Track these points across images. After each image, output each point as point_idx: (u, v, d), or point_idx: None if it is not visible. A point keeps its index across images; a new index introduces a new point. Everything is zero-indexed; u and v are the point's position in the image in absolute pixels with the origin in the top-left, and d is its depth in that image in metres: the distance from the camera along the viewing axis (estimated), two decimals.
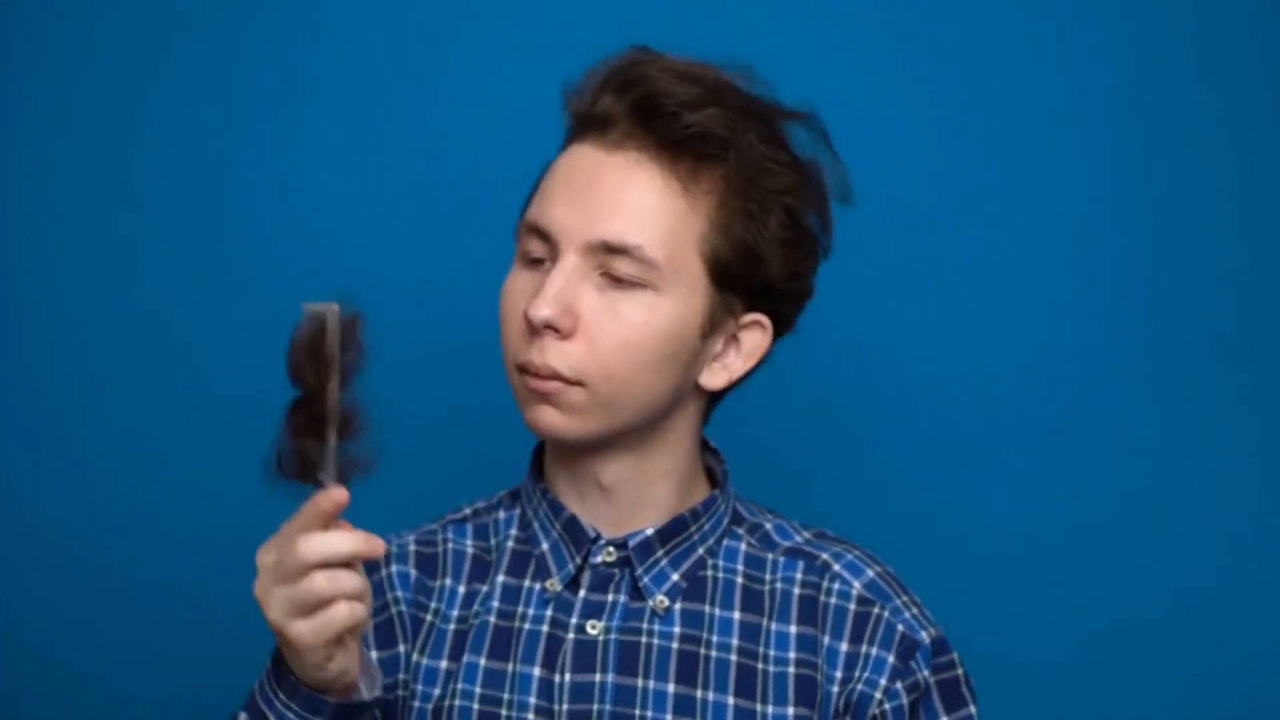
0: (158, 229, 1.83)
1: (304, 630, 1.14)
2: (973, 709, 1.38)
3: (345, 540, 1.15)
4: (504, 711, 1.33)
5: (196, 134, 1.82)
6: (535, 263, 1.33)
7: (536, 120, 1.74)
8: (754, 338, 1.37)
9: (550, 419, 1.32)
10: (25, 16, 1.83)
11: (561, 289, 1.29)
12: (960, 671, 1.37)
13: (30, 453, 1.86)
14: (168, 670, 1.85)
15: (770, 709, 1.33)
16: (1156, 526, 1.77)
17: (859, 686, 1.35)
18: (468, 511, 1.44)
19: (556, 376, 1.30)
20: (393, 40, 1.81)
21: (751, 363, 1.38)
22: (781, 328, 1.38)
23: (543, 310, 1.28)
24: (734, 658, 1.35)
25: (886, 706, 1.34)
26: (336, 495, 1.15)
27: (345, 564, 1.15)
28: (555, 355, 1.30)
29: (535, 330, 1.29)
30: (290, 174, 1.82)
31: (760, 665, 1.35)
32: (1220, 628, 1.76)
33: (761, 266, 1.33)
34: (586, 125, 1.33)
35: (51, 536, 1.86)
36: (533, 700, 1.33)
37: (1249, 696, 1.76)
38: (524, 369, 1.31)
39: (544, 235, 1.31)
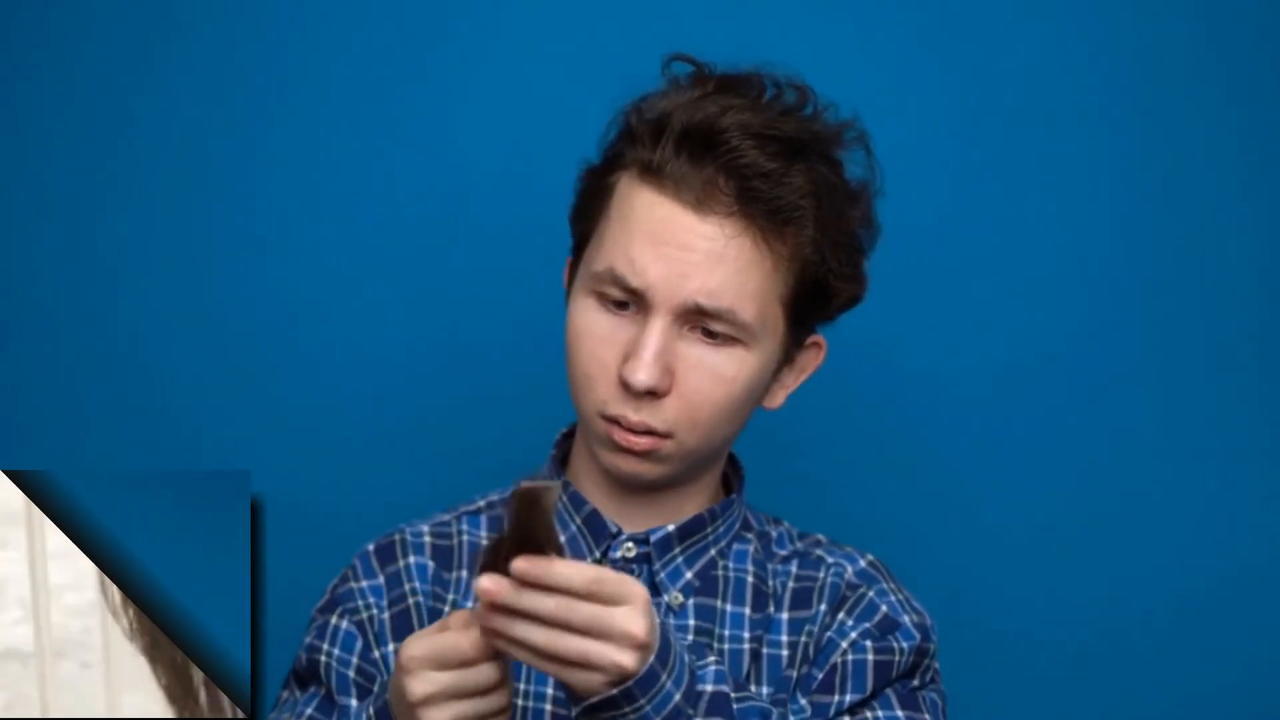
0: (141, 236, 1.78)
1: None
2: (936, 696, 1.39)
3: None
4: (521, 701, 1.34)
5: (182, 140, 1.78)
6: (616, 304, 1.33)
7: (534, 123, 1.75)
8: (809, 355, 1.41)
9: (637, 469, 1.35)
10: (17, 20, 1.80)
11: (659, 351, 1.30)
12: (932, 661, 1.39)
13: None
14: None
15: (763, 689, 1.36)
16: (1161, 529, 1.78)
17: (828, 634, 1.37)
18: (481, 504, 1.45)
19: (650, 432, 1.32)
20: (387, 44, 1.80)
21: (805, 377, 1.42)
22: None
23: (643, 377, 1.29)
24: (746, 647, 1.37)
25: (850, 658, 1.35)
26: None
27: None
28: (650, 413, 1.32)
29: (634, 392, 1.31)
30: (281, 180, 1.78)
31: (766, 650, 1.37)
32: (1223, 630, 1.77)
33: (832, 299, 1.37)
34: (660, 175, 1.31)
35: None
36: (550, 690, 1.34)
37: (1250, 698, 1.77)
38: (615, 421, 1.32)
39: (632, 290, 1.31)
